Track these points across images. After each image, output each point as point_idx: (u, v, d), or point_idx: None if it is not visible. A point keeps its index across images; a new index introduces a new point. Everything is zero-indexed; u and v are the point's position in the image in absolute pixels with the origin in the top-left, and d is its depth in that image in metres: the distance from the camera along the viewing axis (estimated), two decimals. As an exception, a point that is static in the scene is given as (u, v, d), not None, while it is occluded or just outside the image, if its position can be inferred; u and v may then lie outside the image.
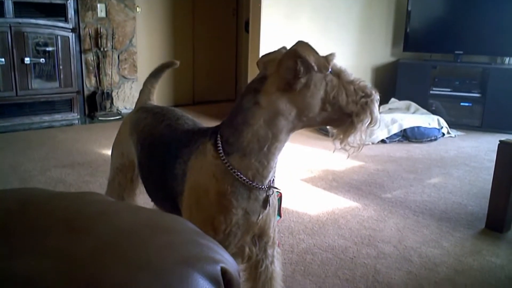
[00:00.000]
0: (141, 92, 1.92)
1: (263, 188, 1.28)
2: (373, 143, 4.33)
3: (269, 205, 1.32)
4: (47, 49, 4.97)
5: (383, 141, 4.36)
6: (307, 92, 1.20)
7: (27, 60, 4.79)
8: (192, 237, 0.67)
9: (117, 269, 0.58)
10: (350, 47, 5.42)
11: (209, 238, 0.70)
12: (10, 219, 0.62)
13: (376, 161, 3.76)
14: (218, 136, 1.26)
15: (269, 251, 1.43)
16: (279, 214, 2.57)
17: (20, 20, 4.73)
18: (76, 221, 0.63)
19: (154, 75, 1.96)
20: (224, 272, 0.64)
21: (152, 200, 1.64)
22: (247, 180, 1.24)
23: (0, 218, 0.63)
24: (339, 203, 2.86)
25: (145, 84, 1.92)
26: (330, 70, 1.23)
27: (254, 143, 1.21)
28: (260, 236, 1.38)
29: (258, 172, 1.24)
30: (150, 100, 1.89)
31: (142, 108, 1.78)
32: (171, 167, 1.35)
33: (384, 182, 3.26)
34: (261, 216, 1.31)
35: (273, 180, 1.33)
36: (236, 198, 1.25)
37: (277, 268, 1.48)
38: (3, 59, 4.66)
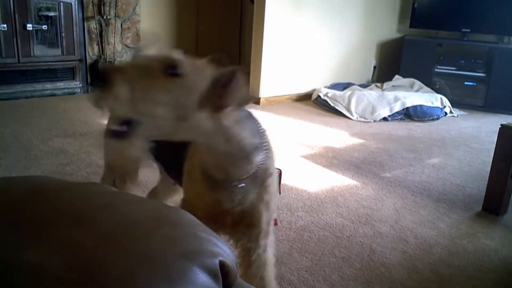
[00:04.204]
0: None
1: (227, 181, 1.26)
2: (374, 121, 4.33)
3: (237, 199, 1.29)
4: (50, 15, 4.92)
5: (385, 119, 4.36)
6: None
7: (29, 26, 4.74)
8: (193, 230, 0.68)
9: (120, 261, 0.60)
10: (355, 22, 5.36)
11: (209, 231, 0.72)
12: (19, 209, 0.64)
13: (377, 139, 3.77)
14: None
15: (261, 242, 1.45)
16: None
17: (22, -15, 4.66)
18: (82, 213, 0.65)
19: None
20: (222, 265, 0.66)
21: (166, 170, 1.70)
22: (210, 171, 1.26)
23: (9, 207, 0.65)
24: (338, 181, 2.89)
25: None
26: None
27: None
28: (249, 227, 1.39)
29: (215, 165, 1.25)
30: None
31: None
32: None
33: (384, 161, 3.28)
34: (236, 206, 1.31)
35: (253, 175, 1.28)
36: (207, 185, 1.29)
37: (270, 255, 1.51)
38: (5, 25, 4.61)
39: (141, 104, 0.99)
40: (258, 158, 1.26)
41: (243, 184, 1.27)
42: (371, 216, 2.45)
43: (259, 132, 1.29)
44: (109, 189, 0.75)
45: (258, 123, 1.31)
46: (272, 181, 1.38)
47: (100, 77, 0.97)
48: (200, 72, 1.10)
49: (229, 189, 1.27)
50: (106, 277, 0.57)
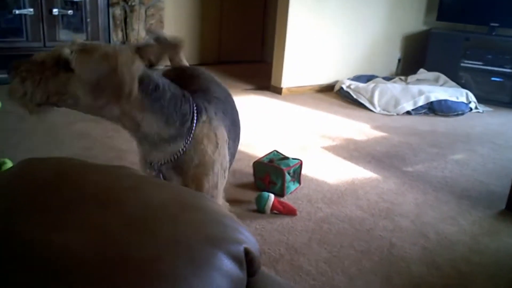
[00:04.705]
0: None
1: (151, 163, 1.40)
2: (398, 114, 4.28)
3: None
4: (75, 0, 4.96)
5: (408, 112, 4.30)
6: None
7: (55, 11, 4.79)
8: (217, 217, 0.68)
9: (146, 244, 0.60)
10: (380, 13, 5.27)
11: (233, 217, 0.72)
12: (48, 191, 0.64)
13: (399, 133, 3.73)
14: None
15: None
16: (299, 182, 2.60)
17: (48, -31, 4.70)
18: (108, 196, 0.65)
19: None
20: (247, 252, 0.66)
21: None
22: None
23: (38, 189, 0.65)
24: (359, 174, 2.86)
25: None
26: None
27: None
28: None
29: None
30: (182, 61, 1.93)
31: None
32: None
33: (406, 155, 3.24)
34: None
35: (173, 164, 1.38)
36: (142, 164, 1.47)
37: None
38: (32, 10, 4.67)
39: (37, 96, 1.19)
40: (174, 147, 1.35)
41: (162, 171, 1.39)
42: (392, 210, 2.43)
43: (181, 121, 1.34)
44: (135, 172, 0.75)
45: (185, 111, 1.36)
46: (201, 174, 1.41)
47: (7, 71, 1.19)
48: (93, 65, 1.19)
49: (153, 171, 1.40)
50: (131, 260, 0.57)
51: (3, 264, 0.55)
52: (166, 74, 1.77)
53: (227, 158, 1.51)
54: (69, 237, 0.57)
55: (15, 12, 4.62)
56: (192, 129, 1.36)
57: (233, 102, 1.78)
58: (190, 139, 1.35)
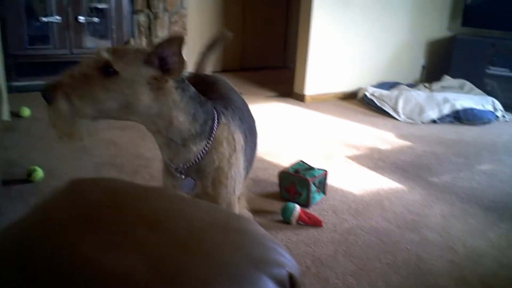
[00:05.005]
0: (196, 62, 1.96)
1: (175, 169, 1.41)
2: (422, 123, 4.24)
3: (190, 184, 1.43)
4: (101, 8, 5.05)
5: (433, 121, 4.26)
6: None
7: (81, 18, 4.88)
8: (259, 239, 0.69)
9: (196, 266, 0.61)
10: (404, 19, 5.23)
11: (273, 240, 0.73)
12: (102, 212, 0.66)
13: (424, 142, 3.69)
14: None
15: None
16: (324, 192, 2.59)
17: (76, -22, 4.80)
18: (156, 218, 0.66)
19: (210, 47, 1.98)
20: (290, 276, 0.67)
21: None
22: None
23: (92, 209, 0.67)
24: (384, 184, 2.84)
25: (200, 54, 1.97)
26: None
27: None
28: None
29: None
30: (204, 70, 1.95)
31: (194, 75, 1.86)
32: None
33: (432, 165, 3.20)
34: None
35: (196, 167, 1.40)
36: (165, 172, 1.49)
37: None
38: (59, 17, 4.77)
39: (85, 108, 1.18)
40: (198, 147, 1.36)
41: (188, 177, 1.40)
42: (418, 222, 2.40)
43: (204, 119, 1.38)
44: (177, 194, 0.77)
45: (207, 110, 1.39)
46: (221, 177, 1.43)
47: (44, 98, 1.15)
48: (131, 61, 1.22)
49: (176, 177, 1.42)
50: (184, 282, 0.58)
51: (62, 281, 0.56)
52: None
53: (243, 164, 1.52)
54: (123, 258, 0.59)
55: (42, 19, 4.73)
56: (213, 130, 1.39)
57: (250, 110, 1.79)
58: (212, 139, 1.39)
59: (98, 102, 1.19)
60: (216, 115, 1.41)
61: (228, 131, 1.43)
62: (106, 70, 1.18)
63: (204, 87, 1.70)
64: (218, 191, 1.43)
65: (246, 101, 1.85)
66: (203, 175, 1.40)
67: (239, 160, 1.48)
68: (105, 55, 1.18)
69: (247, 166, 1.57)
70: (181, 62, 1.22)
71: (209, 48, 1.99)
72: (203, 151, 1.37)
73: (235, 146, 1.45)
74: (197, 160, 1.37)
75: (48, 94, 1.16)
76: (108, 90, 1.18)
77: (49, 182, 2.59)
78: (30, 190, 2.48)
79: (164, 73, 1.23)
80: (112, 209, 0.67)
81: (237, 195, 1.52)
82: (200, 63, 1.97)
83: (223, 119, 1.43)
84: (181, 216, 0.69)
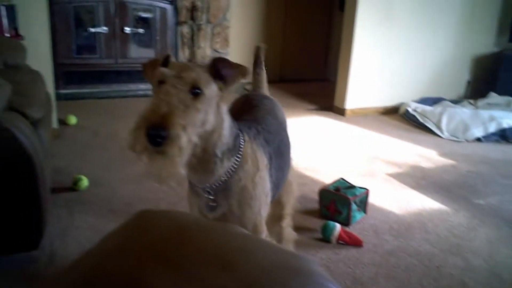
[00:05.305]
0: (251, 81, 1.98)
1: (202, 188, 1.38)
2: (467, 141, 4.12)
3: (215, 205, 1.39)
4: (146, 19, 5.17)
5: (478, 139, 4.13)
6: None
7: (127, 29, 5.02)
8: (321, 280, 0.68)
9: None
10: (449, 34, 5.12)
11: (332, 280, 0.72)
12: (170, 248, 0.67)
13: (469, 161, 3.59)
14: None
15: None
16: (364, 211, 2.56)
17: (123, -10, 4.94)
18: (224, 256, 0.67)
19: (256, 64, 2.00)
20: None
21: None
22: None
23: (160, 244, 0.68)
24: (426, 204, 2.78)
25: (253, 74, 1.99)
26: None
27: None
28: None
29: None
30: (260, 88, 1.95)
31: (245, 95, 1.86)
32: None
33: (477, 186, 3.11)
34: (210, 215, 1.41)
35: (223, 186, 1.36)
36: (191, 192, 1.45)
37: None
38: (106, 28, 4.91)
39: (193, 137, 1.11)
40: (229, 163, 1.34)
41: (212, 197, 1.37)
42: (462, 247, 2.33)
43: (236, 133, 1.36)
44: (242, 232, 0.78)
45: (235, 124, 1.38)
46: (246, 196, 1.40)
47: (153, 141, 1.04)
48: (207, 78, 1.21)
49: (203, 196, 1.38)
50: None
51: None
52: (236, 100, 1.86)
53: (268, 184, 1.49)
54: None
55: (90, 30, 4.88)
56: (240, 147, 1.37)
57: (287, 137, 1.77)
58: (240, 155, 1.37)
59: (196, 126, 1.14)
60: (240, 133, 1.40)
61: (251, 149, 1.42)
62: (194, 91, 1.15)
63: (246, 108, 1.72)
64: (244, 211, 1.40)
65: (286, 113, 1.86)
66: (230, 194, 1.38)
67: (264, 180, 1.45)
68: (193, 75, 1.16)
69: (272, 187, 1.53)
70: (237, 69, 1.24)
71: (256, 65, 2.00)
72: (233, 167, 1.35)
73: (258, 165, 1.43)
74: (225, 178, 1.35)
75: (163, 132, 1.04)
76: (199, 111, 1.15)
77: (93, 191, 2.65)
78: (75, 199, 2.55)
79: (223, 84, 1.25)
80: (181, 245, 0.68)
81: (263, 216, 1.48)
82: (254, 81, 1.98)
83: (246, 137, 1.42)
84: (251, 256, 0.69)
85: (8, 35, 3.07)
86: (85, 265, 0.67)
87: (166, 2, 5.19)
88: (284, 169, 1.66)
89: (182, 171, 1.10)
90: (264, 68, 2.01)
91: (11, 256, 1.95)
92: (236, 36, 5.88)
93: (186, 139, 1.07)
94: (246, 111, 1.68)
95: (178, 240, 0.68)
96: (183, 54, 5.42)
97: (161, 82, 1.17)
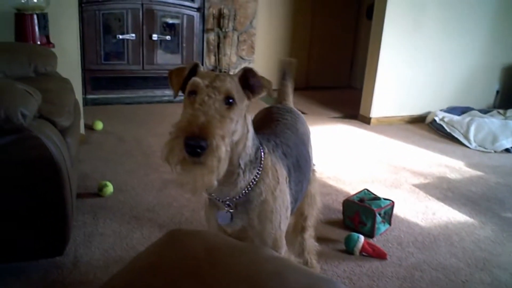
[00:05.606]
0: (277, 93, 1.98)
1: (222, 201, 1.35)
2: (495, 152, 4.03)
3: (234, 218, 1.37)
4: (173, 26, 5.23)
5: (507, 150, 4.04)
6: None
7: (154, 36, 5.09)
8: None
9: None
10: (478, 43, 5.03)
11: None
12: (198, 267, 0.67)
13: (497, 173, 3.51)
14: None
15: None
16: (389, 223, 2.52)
17: (151, -2, 5.02)
18: (256, 279, 0.67)
19: (283, 77, 2.00)
20: None
21: None
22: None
23: (193, 264, 0.69)
24: (453, 217, 2.72)
25: (278, 86, 1.99)
26: None
27: None
28: None
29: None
30: (285, 100, 1.94)
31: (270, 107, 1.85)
32: None
33: (506, 199, 3.04)
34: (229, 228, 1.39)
35: (244, 199, 1.34)
36: (210, 206, 1.43)
37: None
38: (133, 35, 4.99)
39: (228, 146, 1.10)
40: (251, 175, 1.32)
41: (231, 210, 1.35)
42: (490, 261, 2.28)
43: (257, 146, 1.35)
44: (273, 254, 0.78)
45: (257, 137, 1.37)
46: (266, 211, 1.37)
47: (192, 151, 1.02)
48: (239, 87, 1.21)
49: (222, 209, 1.35)
50: None
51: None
52: (258, 112, 1.86)
53: (288, 198, 1.47)
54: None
55: (118, 37, 4.96)
56: (261, 159, 1.36)
57: (306, 151, 1.74)
58: (261, 167, 1.35)
59: (230, 137, 1.14)
60: (260, 145, 1.39)
61: (271, 162, 1.40)
62: (227, 101, 1.15)
63: (267, 121, 1.72)
64: (264, 225, 1.37)
65: (310, 121, 1.85)
66: (250, 208, 1.35)
67: (284, 193, 1.43)
68: (227, 85, 1.16)
69: (291, 200, 1.51)
70: (264, 81, 1.24)
71: (283, 78, 2.00)
72: (254, 180, 1.33)
73: (278, 178, 1.41)
74: (246, 190, 1.33)
75: (203, 143, 1.02)
76: (232, 121, 1.15)
77: (117, 197, 2.69)
78: (100, 205, 2.59)
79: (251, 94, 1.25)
80: (212, 266, 0.68)
81: (283, 230, 1.46)
82: (279, 93, 1.98)
83: (265, 149, 1.40)
84: (283, 280, 0.69)
85: (39, 42, 3.15)
86: (117, 283, 0.68)
87: (194, 9, 5.24)
88: (303, 182, 1.64)
89: (216, 181, 1.09)
90: (291, 81, 2.00)
91: (36, 262, 1.98)
92: (262, 43, 5.91)
93: (225, 150, 1.06)
94: (266, 124, 1.68)
95: (210, 260, 0.68)
96: (209, 61, 5.46)
97: (193, 91, 1.16)
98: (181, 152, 1.03)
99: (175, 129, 1.07)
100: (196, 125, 1.04)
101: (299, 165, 1.59)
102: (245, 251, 0.75)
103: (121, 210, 2.54)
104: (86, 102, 4.65)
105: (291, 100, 1.99)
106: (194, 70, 1.25)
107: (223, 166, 1.07)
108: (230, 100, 1.15)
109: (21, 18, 3.10)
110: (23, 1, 3.12)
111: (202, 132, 1.03)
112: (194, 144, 1.01)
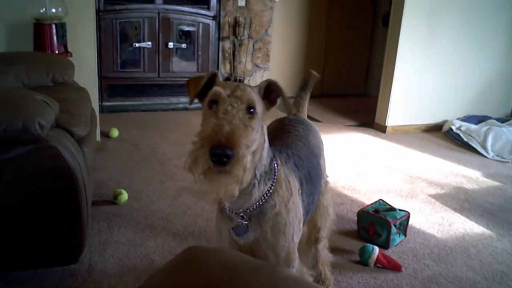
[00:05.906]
0: (293, 102, 1.98)
1: (235, 213, 1.33)
2: (513, 162, 3.98)
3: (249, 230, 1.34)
4: (189, 34, 5.27)
5: (525, 160, 3.98)
6: None
7: (170, 44, 5.13)
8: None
9: None
10: (496, 50, 4.97)
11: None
12: (216, 285, 0.68)
13: (515, 184, 3.46)
14: None
15: None
16: (404, 234, 2.50)
17: (167, 6, 5.06)
18: None
19: (302, 88, 2.00)
20: None
21: None
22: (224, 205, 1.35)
23: (207, 283, 0.69)
24: (470, 229, 2.69)
25: (295, 96, 1.99)
26: None
27: None
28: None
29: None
30: (299, 111, 1.95)
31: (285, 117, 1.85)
32: None
33: (524, 210, 2.99)
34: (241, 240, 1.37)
35: (258, 211, 1.32)
36: (221, 217, 1.40)
37: None
38: (150, 43, 5.04)
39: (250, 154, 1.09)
40: (266, 186, 1.30)
41: (245, 222, 1.32)
42: (507, 275, 2.24)
43: (271, 157, 1.34)
44: (290, 274, 0.77)
45: (270, 149, 1.36)
46: (280, 223, 1.35)
47: (218, 160, 1.02)
48: (259, 98, 1.22)
49: (235, 221, 1.34)
50: None
51: None
52: (270, 123, 1.85)
53: (301, 210, 1.46)
54: None
55: (135, 45, 5.02)
56: (275, 170, 1.34)
57: (317, 163, 1.73)
58: (275, 179, 1.33)
59: (252, 146, 1.14)
60: (273, 156, 1.38)
61: (285, 173, 1.39)
62: (249, 110, 1.15)
63: (278, 132, 1.71)
64: (277, 238, 1.36)
65: (325, 129, 1.84)
66: (264, 220, 1.33)
67: (297, 205, 1.42)
68: (249, 95, 1.16)
69: (304, 213, 1.50)
70: (281, 91, 1.25)
71: (302, 89, 2.00)
72: (268, 191, 1.31)
73: (291, 190, 1.39)
74: (260, 202, 1.31)
75: (230, 152, 1.02)
76: (254, 131, 1.15)
77: (132, 205, 2.71)
78: (115, 212, 2.60)
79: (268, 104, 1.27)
80: (229, 285, 0.68)
81: (296, 242, 1.44)
82: (295, 103, 1.98)
83: (278, 161, 1.39)
84: None
85: (57, 51, 3.19)
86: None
87: (209, 18, 5.28)
88: (314, 195, 1.63)
89: (238, 191, 1.09)
90: (309, 93, 2.00)
91: (50, 270, 2.00)
92: (277, 51, 5.92)
93: (250, 159, 1.07)
94: (278, 136, 1.67)
95: (227, 279, 0.68)
96: (224, 69, 5.49)
97: (214, 101, 1.16)
98: (207, 162, 1.03)
99: (199, 139, 1.06)
100: (222, 134, 1.03)
101: (311, 177, 1.59)
102: (262, 270, 0.75)
103: (135, 218, 2.55)
104: (102, 109, 4.71)
105: (305, 112, 1.99)
106: (212, 80, 1.25)
107: (248, 176, 1.08)
108: (252, 110, 1.15)
109: (40, 28, 3.15)
110: (42, 11, 3.17)
111: (228, 141, 1.02)
112: (221, 153, 1.01)
